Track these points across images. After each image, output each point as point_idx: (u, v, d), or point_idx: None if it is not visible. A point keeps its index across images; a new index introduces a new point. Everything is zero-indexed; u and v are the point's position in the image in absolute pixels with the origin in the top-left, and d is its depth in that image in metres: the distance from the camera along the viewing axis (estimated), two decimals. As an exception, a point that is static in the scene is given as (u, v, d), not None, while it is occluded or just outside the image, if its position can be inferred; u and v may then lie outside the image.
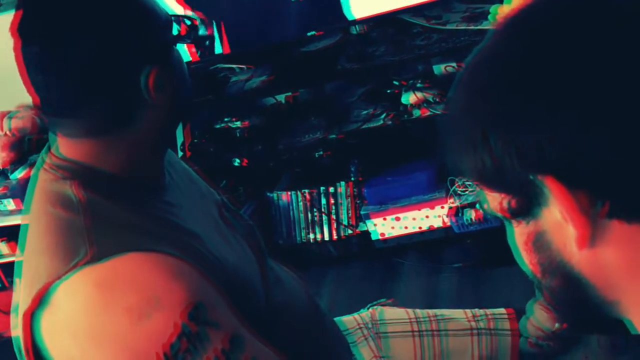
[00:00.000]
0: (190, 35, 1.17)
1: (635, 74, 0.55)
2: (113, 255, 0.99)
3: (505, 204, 0.62)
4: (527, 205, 0.61)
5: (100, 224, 1.04)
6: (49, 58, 1.03)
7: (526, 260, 0.66)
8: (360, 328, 1.54)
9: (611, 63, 0.55)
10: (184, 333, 0.97)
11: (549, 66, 0.57)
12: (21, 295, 1.07)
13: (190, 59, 2.76)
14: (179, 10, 2.63)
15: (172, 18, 1.14)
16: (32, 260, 1.07)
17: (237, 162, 2.94)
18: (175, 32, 1.14)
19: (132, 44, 1.06)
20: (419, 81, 2.81)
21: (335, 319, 1.51)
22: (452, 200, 2.71)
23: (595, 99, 0.55)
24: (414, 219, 2.80)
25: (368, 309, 1.61)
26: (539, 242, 0.63)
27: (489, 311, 1.57)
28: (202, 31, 1.23)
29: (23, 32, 1.04)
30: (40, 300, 1.01)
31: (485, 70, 0.62)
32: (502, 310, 1.56)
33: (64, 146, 1.12)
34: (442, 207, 2.74)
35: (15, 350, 1.09)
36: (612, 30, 0.56)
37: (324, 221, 3.02)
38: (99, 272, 0.99)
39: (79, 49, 1.02)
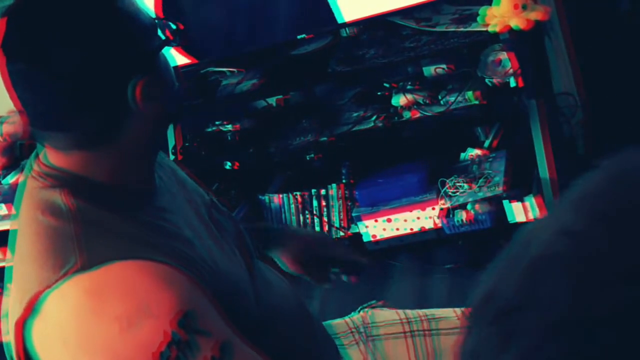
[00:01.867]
0: (177, 39, 1.15)
1: None
2: (103, 263, 1.00)
3: None
4: None
5: (90, 232, 1.04)
6: (35, 75, 1.03)
7: None
8: (352, 332, 1.54)
9: None
10: (173, 341, 0.97)
11: None
12: (12, 303, 1.07)
13: (178, 62, 2.75)
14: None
15: (157, 23, 1.13)
16: (22, 268, 1.07)
17: (228, 165, 2.94)
18: (160, 37, 1.13)
19: (118, 57, 1.06)
20: (409, 83, 2.81)
21: (325, 322, 1.52)
22: (443, 201, 2.72)
23: None
24: (405, 220, 2.80)
25: (359, 311, 1.61)
26: None
27: None
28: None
29: (7, 49, 1.04)
30: (31, 309, 1.01)
31: None
32: None
33: (53, 155, 1.12)
34: (433, 209, 2.74)
35: (7, 357, 1.10)
36: None
37: (316, 223, 3.03)
38: (89, 280, 0.99)
39: (64, 64, 1.02)
